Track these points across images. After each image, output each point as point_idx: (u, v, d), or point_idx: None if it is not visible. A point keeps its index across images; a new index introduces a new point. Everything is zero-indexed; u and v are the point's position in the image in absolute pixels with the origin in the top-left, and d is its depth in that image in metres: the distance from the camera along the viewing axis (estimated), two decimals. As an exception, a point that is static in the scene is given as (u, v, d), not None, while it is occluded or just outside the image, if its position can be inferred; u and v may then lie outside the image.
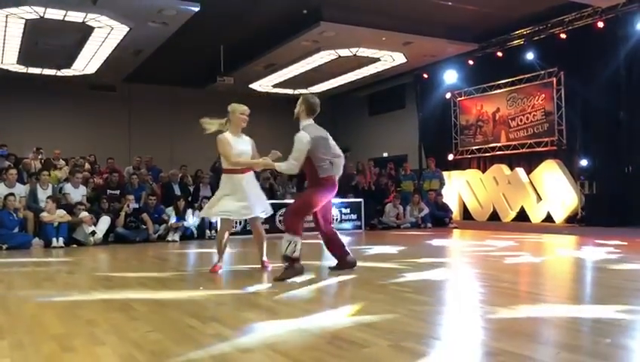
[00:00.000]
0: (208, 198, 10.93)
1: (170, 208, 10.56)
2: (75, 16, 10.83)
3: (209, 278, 5.50)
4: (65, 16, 10.72)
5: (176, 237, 10.11)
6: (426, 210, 12.84)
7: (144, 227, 10.12)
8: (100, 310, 3.98)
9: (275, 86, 17.79)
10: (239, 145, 5.60)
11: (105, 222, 9.85)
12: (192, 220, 10.48)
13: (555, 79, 13.00)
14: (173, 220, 10.31)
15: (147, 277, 5.59)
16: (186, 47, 13.88)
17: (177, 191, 11.66)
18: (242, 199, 5.58)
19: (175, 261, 7.62)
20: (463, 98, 15.59)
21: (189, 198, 11.52)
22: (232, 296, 4.49)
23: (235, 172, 5.56)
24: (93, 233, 9.50)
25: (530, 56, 13.27)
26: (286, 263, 5.20)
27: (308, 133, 5.30)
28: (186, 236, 10.30)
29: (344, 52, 14.09)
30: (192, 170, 13.34)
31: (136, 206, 10.50)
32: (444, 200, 13.73)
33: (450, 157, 15.54)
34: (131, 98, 17.80)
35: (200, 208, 10.63)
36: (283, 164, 5.41)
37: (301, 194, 5.65)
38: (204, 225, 10.54)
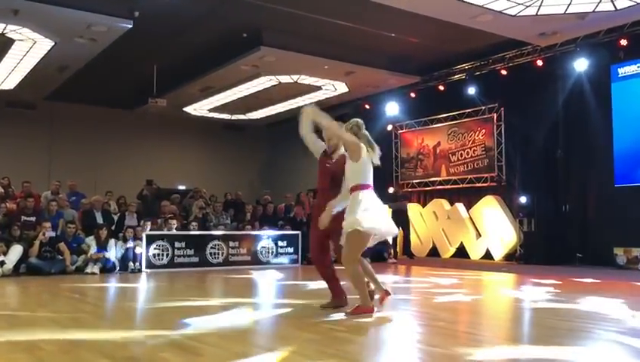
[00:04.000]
0: (134, 228, 10.70)
1: (91, 237, 10.20)
2: (-6, 27, 10.44)
3: (131, 316, 5.28)
4: (-18, 26, 10.31)
5: (96, 269, 9.72)
6: (366, 245, 12.90)
7: (61, 258, 9.71)
8: (2, 351, 3.73)
9: (211, 110, 17.66)
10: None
11: (16, 251, 9.37)
12: (114, 251, 10.12)
13: (495, 115, 13.51)
14: (93, 251, 9.94)
15: (60, 314, 5.31)
16: (116, 65, 13.61)
17: (99, 220, 11.29)
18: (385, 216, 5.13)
19: (93, 296, 7.29)
20: (404, 130, 15.94)
21: (113, 227, 11.19)
22: (156, 336, 4.31)
23: (364, 188, 5.02)
24: (2, 263, 9.02)
25: (471, 90, 13.73)
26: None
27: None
28: (107, 269, 9.92)
29: (285, 78, 14.18)
30: (117, 196, 12.97)
31: (53, 234, 10.05)
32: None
33: (391, 190, 15.76)
34: (53, 117, 17.21)
35: (124, 238, 10.33)
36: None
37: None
38: (128, 257, 10.19)
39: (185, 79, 14.77)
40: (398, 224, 13.95)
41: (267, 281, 8.89)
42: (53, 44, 11.39)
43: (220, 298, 7.14)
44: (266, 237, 11.75)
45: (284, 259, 11.77)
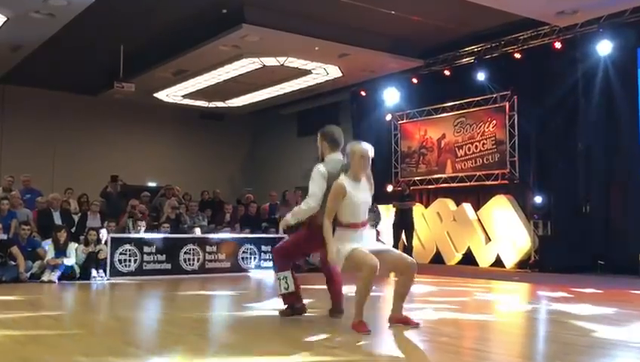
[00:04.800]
0: (96, 230, 10.67)
1: (48, 241, 10.15)
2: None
3: (95, 332, 5.26)
4: None
5: (54, 277, 9.67)
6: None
7: (13, 263, 9.66)
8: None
9: (185, 97, 17.60)
10: (359, 193, 5.19)
11: (-38, 256, 9.31)
12: (74, 257, 10.08)
13: (507, 104, 13.55)
14: (50, 256, 9.89)
15: (13, 332, 5.28)
16: (78, 45, 13.53)
17: (58, 221, 11.25)
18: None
19: (52, 307, 7.26)
20: (404, 121, 15.96)
21: (73, 229, 11.14)
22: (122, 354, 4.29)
23: (355, 227, 5.16)
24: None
25: (480, 76, 13.75)
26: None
27: (325, 165, 5.39)
28: (67, 276, 9.88)
29: (270, 61, 14.15)
30: (78, 194, 12.97)
31: (5, 237, 10.03)
32: (381, 238, 13.91)
33: (390, 188, 15.80)
34: (5, 103, 17.11)
35: (86, 242, 10.29)
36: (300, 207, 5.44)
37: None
38: (90, 263, 10.15)
39: (156, 61, 14.70)
40: (401, 225, 14.12)
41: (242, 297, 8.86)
42: (5, 19, 11.29)
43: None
44: (247, 242, 11.73)
45: (267, 265, 11.74)
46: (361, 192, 5.21)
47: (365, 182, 5.32)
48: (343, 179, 5.15)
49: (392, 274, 5.36)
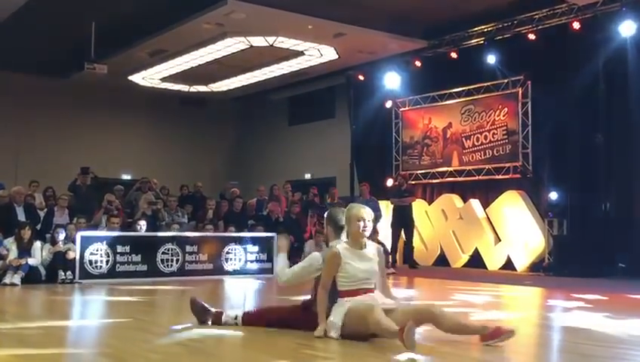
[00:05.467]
0: (64, 226, 10.63)
1: (11, 239, 10.09)
2: None
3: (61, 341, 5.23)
4: None
5: (17, 279, 9.62)
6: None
7: (-29, 264, 9.61)
8: None
9: (164, 80, 17.56)
10: (359, 263, 5.14)
11: None
12: (39, 256, 10.05)
13: (520, 90, 13.55)
14: (13, 256, 9.84)
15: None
16: (45, 22, 13.47)
17: (21, 217, 11.22)
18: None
19: (14, 314, 7.22)
20: (406, 108, 15.96)
21: (38, 226, 11.10)
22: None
23: (356, 294, 5.10)
24: None
25: (491, 59, 13.76)
26: None
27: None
28: (32, 278, 9.83)
29: (258, 41, 14.12)
30: (44, 187, 12.96)
31: (-38, 235, 9.98)
32: (381, 237, 13.90)
33: (390, 182, 15.82)
34: (-37, 86, 17.05)
35: (53, 240, 10.25)
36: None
37: None
38: (57, 264, 10.11)
39: (131, 40, 14.67)
40: (400, 224, 14.13)
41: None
42: (-37, -8, 11.25)
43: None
44: (232, 241, 11.71)
45: (253, 267, 11.73)
46: (362, 262, 5.16)
47: (371, 249, 5.29)
48: (341, 247, 5.17)
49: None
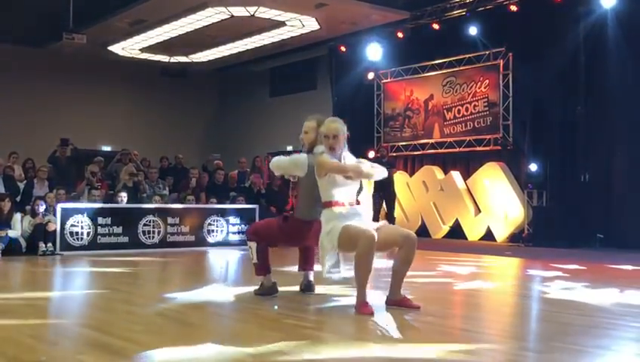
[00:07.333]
0: (43, 198, 10.56)
1: (-10, 211, 10.02)
2: None
3: (39, 312, 5.22)
4: None
5: (-4, 251, 9.59)
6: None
7: (-50, 237, 9.55)
8: None
9: (143, 50, 17.38)
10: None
11: None
12: (19, 228, 9.98)
13: (501, 62, 13.56)
14: (-7, 228, 9.78)
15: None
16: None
17: (1, 188, 11.16)
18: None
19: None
20: (388, 80, 15.92)
21: (18, 198, 11.04)
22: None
23: (341, 205, 5.25)
24: None
25: (472, 31, 13.72)
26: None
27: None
28: (12, 250, 9.79)
29: (238, 11, 13.99)
30: (23, 159, 12.87)
31: (-60, 207, 9.87)
32: (361, 209, 13.94)
33: (372, 154, 15.81)
34: (-62, 56, 16.79)
35: (33, 212, 10.18)
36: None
37: None
38: (38, 235, 10.05)
39: (110, 9, 14.49)
40: (381, 197, 14.15)
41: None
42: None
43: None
44: (214, 213, 11.69)
45: (235, 239, 11.73)
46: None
47: (351, 160, 5.55)
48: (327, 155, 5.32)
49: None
